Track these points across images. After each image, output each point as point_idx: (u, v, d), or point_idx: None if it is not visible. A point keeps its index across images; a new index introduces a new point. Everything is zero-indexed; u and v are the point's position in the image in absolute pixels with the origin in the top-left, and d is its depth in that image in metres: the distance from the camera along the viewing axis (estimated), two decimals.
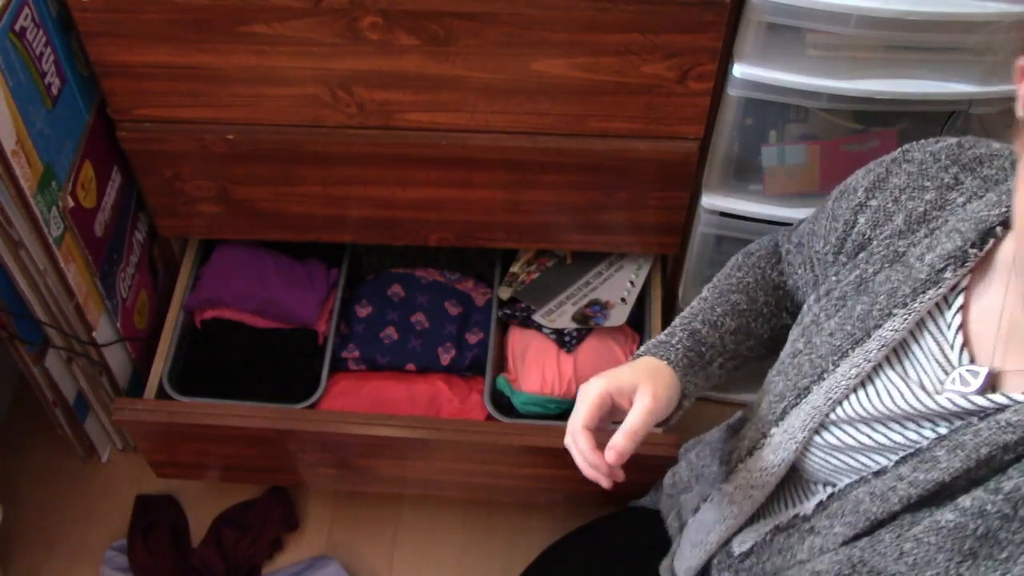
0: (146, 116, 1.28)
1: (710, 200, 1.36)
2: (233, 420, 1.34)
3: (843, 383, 0.77)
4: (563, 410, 1.46)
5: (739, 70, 1.18)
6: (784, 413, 0.82)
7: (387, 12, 1.13)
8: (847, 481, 0.78)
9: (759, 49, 1.18)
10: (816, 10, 1.09)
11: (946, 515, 0.67)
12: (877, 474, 0.74)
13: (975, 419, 0.68)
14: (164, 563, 1.54)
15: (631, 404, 0.82)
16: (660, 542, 1.10)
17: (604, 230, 1.44)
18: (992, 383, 0.70)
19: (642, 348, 0.92)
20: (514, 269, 1.57)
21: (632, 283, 1.55)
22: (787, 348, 0.86)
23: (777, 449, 0.83)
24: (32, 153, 1.19)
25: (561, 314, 1.51)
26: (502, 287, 1.56)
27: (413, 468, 1.44)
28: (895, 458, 0.74)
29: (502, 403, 1.46)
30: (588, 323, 1.49)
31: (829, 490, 0.80)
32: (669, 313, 1.57)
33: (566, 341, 1.49)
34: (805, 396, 0.80)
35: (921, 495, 0.69)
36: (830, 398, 0.78)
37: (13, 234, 1.21)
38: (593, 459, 0.81)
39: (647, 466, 1.32)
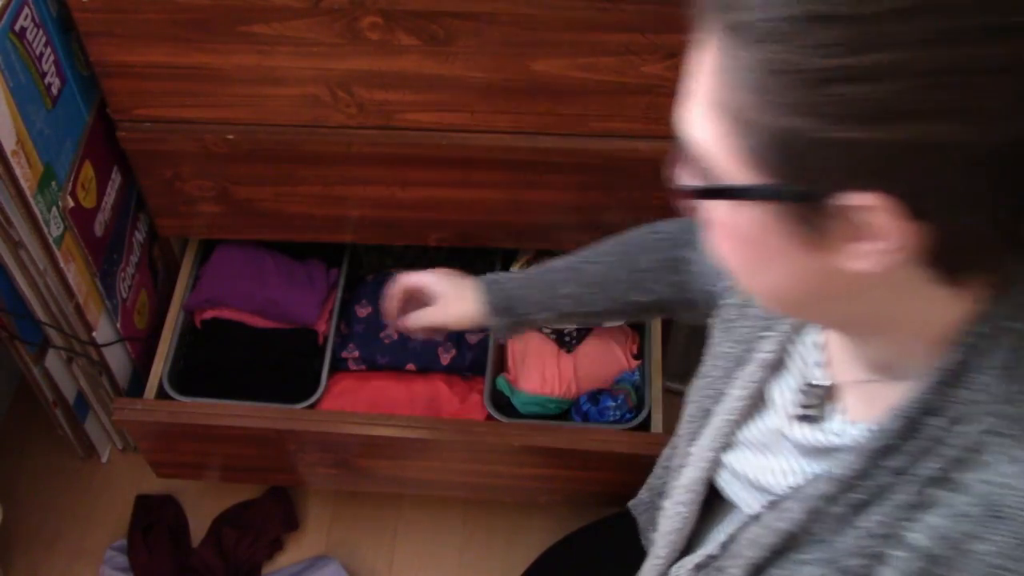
0: (146, 116, 1.28)
1: None
2: (233, 420, 1.34)
3: (736, 405, 0.78)
4: (563, 410, 1.46)
5: None
6: (696, 434, 0.84)
7: (387, 12, 1.13)
8: (739, 524, 0.79)
9: None
10: None
11: (810, 569, 0.68)
12: (754, 519, 0.74)
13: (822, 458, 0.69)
14: (164, 563, 1.54)
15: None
16: None
17: (605, 230, 1.43)
18: (832, 395, 0.70)
19: (486, 277, 1.08)
20: (514, 269, 1.57)
21: None
22: (699, 370, 0.88)
23: (693, 468, 0.84)
24: (32, 153, 1.19)
25: None
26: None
27: (413, 468, 1.44)
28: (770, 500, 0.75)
29: (502, 403, 1.46)
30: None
31: (731, 531, 0.80)
32: None
33: (566, 341, 1.49)
34: (709, 418, 0.82)
35: (784, 542, 0.70)
36: (728, 419, 0.79)
37: (13, 234, 1.21)
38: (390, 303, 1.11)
39: (648, 466, 1.32)
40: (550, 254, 1.59)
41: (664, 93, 1.22)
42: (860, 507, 0.63)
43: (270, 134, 1.29)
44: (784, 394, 0.75)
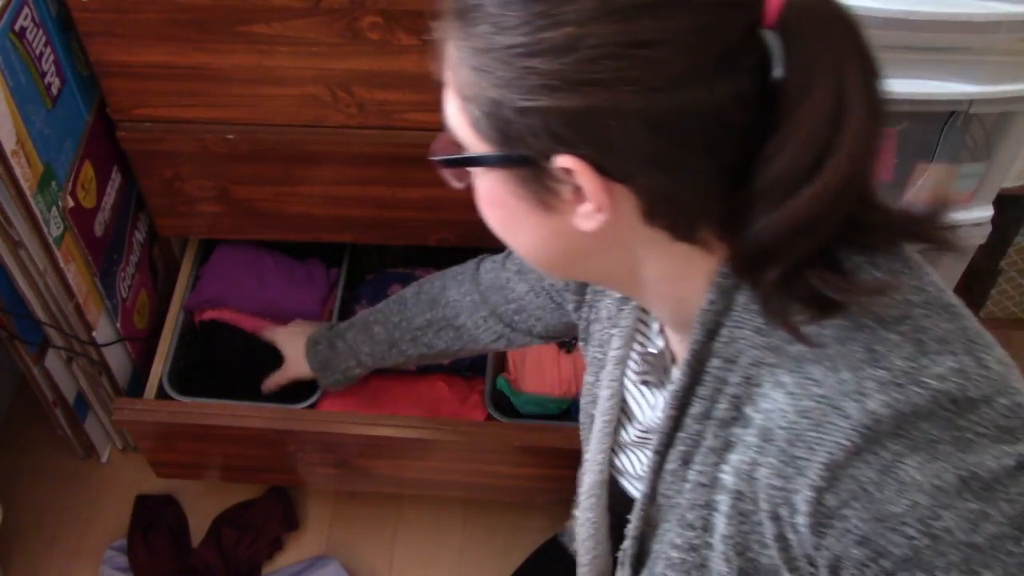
0: (146, 116, 1.28)
1: None
2: (233, 420, 1.34)
3: (606, 405, 0.81)
4: (563, 410, 1.46)
5: None
6: (587, 440, 0.87)
7: (387, 12, 1.13)
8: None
9: None
10: None
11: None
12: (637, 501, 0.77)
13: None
14: (164, 563, 1.54)
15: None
16: None
17: None
18: (663, 363, 0.74)
19: (323, 329, 1.33)
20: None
21: None
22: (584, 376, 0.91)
23: (590, 473, 0.87)
24: (32, 153, 1.19)
25: None
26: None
27: (413, 468, 1.44)
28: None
29: (502, 403, 1.46)
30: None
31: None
32: None
33: (566, 341, 1.49)
34: (593, 420, 0.85)
35: (648, 517, 0.74)
36: (605, 420, 0.82)
37: (13, 234, 1.21)
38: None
39: None
40: None
41: None
42: (686, 460, 0.66)
43: (270, 134, 1.29)
44: (631, 374, 0.79)
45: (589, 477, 0.86)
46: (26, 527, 1.60)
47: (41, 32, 1.19)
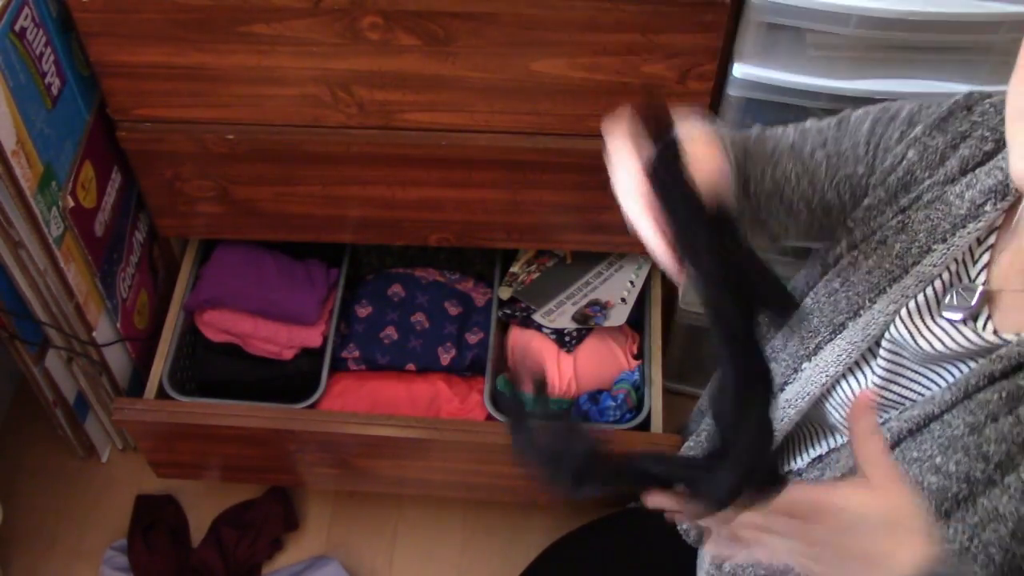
0: (146, 116, 1.28)
1: None
2: (233, 420, 1.34)
3: (880, 319, 0.79)
4: (563, 410, 1.46)
5: (739, 70, 1.18)
6: (818, 348, 0.84)
7: (387, 12, 1.13)
8: (845, 439, 0.80)
9: (759, 49, 1.18)
10: (816, 10, 1.09)
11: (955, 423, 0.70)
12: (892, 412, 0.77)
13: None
14: (164, 563, 1.54)
15: None
16: (660, 543, 1.10)
17: (604, 230, 1.44)
18: (987, 303, 0.72)
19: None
20: (514, 269, 1.57)
21: (632, 283, 1.55)
22: (821, 286, 0.87)
23: (807, 383, 0.84)
24: (32, 153, 1.19)
25: (561, 314, 1.51)
26: (502, 287, 1.56)
27: (413, 468, 1.44)
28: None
29: (502, 403, 1.46)
30: (588, 323, 1.49)
31: (826, 447, 0.81)
32: (669, 313, 1.57)
33: (566, 341, 1.49)
34: (840, 332, 0.82)
35: (909, 428, 0.72)
36: (868, 333, 0.79)
37: (13, 234, 1.22)
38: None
39: None
40: (550, 253, 1.59)
41: (664, 93, 1.22)
42: (1019, 396, 0.66)
43: (270, 134, 1.29)
44: (930, 302, 0.76)
45: (801, 386, 0.84)
46: (26, 527, 1.60)
47: (41, 32, 1.19)
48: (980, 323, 0.72)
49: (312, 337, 1.52)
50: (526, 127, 1.27)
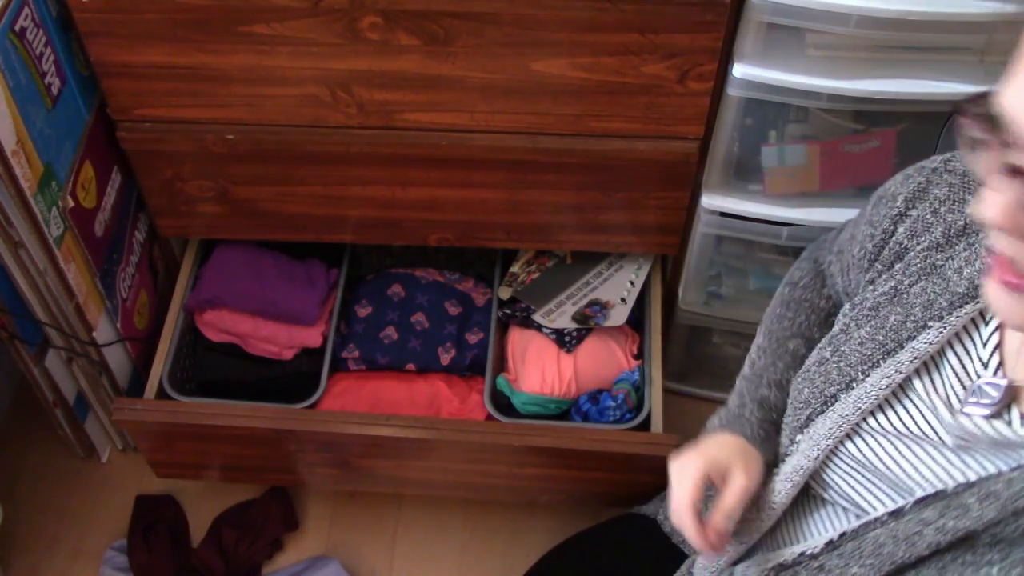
0: (146, 116, 1.28)
1: (710, 200, 1.36)
2: (233, 420, 1.34)
3: (873, 393, 0.76)
4: (563, 410, 1.46)
5: (739, 70, 1.19)
6: (809, 420, 0.82)
7: (387, 12, 1.13)
8: (860, 521, 0.76)
9: (759, 49, 1.18)
10: (816, 10, 1.09)
11: (991, 570, 0.65)
12: (894, 515, 0.72)
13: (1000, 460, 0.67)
14: (164, 563, 1.54)
15: (723, 482, 0.86)
16: (661, 551, 1.10)
17: (604, 230, 1.44)
18: (1012, 397, 0.68)
19: (716, 420, 0.95)
20: (514, 269, 1.57)
21: (632, 283, 1.55)
22: (813, 356, 0.85)
23: (802, 456, 0.82)
24: (32, 153, 1.19)
25: (561, 314, 1.51)
26: (502, 287, 1.56)
27: (413, 468, 1.44)
28: (911, 498, 0.72)
29: (502, 403, 1.46)
30: (588, 323, 1.49)
31: (840, 529, 0.78)
32: (669, 313, 1.57)
33: (566, 341, 1.49)
34: (832, 404, 0.79)
35: (950, 542, 0.67)
36: (859, 407, 0.77)
37: (13, 234, 1.22)
38: (700, 541, 0.85)
39: (648, 466, 1.33)
40: (550, 254, 1.59)
41: (664, 93, 1.22)
42: None
43: (270, 134, 1.30)
44: (943, 387, 0.72)
45: (798, 460, 0.81)
46: (26, 527, 1.60)
47: (41, 32, 1.19)
48: (1010, 417, 0.68)
49: (312, 337, 1.52)
50: (526, 127, 1.27)
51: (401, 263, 1.63)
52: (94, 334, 1.40)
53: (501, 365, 1.51)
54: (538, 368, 1.46)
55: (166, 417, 1.36)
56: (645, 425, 1.41)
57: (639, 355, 1.50)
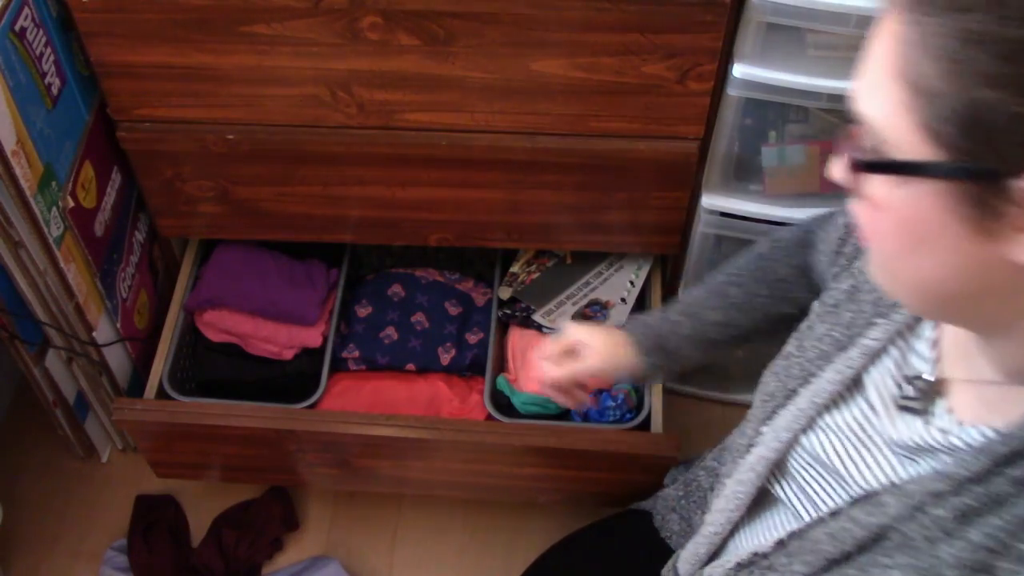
0: (146, 116, 1.28)
1: (710, 200, 1.36)
2: (233, 420, 1.34)
3: (826, 388, 0.77)
4: (563, 410, 1.46)
5: (739, 70, 1.19)
6: (773, 412, 0.83)
7: (387, 12, 1.13)
8: (806, 521, 0.78)
9: (759, 49, 1.18)
10: (816, 10, 1.09)
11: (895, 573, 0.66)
12: (834, 515, 0.73)
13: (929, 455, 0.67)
14: (164, 563, 1.54)
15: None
16: (660, 546, 1.10)
17: (604, 230, 1.44)
18: (938, 390, 0.68)
19: (631, 318, 1.08)
20: (514, 269, 1.57)
21: (632, 283, 1.55)
22: (782, 350, 0.86)
23: (764, 447, 0.83)
24: (32, 153, 1.19)
25: (561, 314, 1.51)
26: (502, 287, 1.56)
27: (413, 468, 1.44)
28: (850, 499, 0.73)
29: (502, 403, 1.46)
30: (588, 323, 1.49)
31: (790, 529, 0.79)
32: None
33: None
34: (792, 398, 0.80)
35: (868, 537, 0.68)
36: (815, 402, 0.78)
37: (13, 234, 1.22)
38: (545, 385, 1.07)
39: (648, 466, 1.33)
40: (550, 254, 1.59)
41: (664, 93, 1.22)
42: (969, 514, 0.60)
43: (270, 134, 1.30)
44: (883, 385, 0.73)
45: (762, 451, 0.82)
46: (26, 527, 1.60)
47: (41, 32, 1.19)
48: (938, 413, 0.68)
49: (312, 337, 1.52)
50: (526, 127, 1.27)
51: (401, 263, 1.63)
52: (94, 334, 1.40)
53: (501, 365, 1.51)
54: (538, 368, 1.46)
55: (166, 417, 1.36)
56: (645, 425, 1.41)
57: None
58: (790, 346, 0.84)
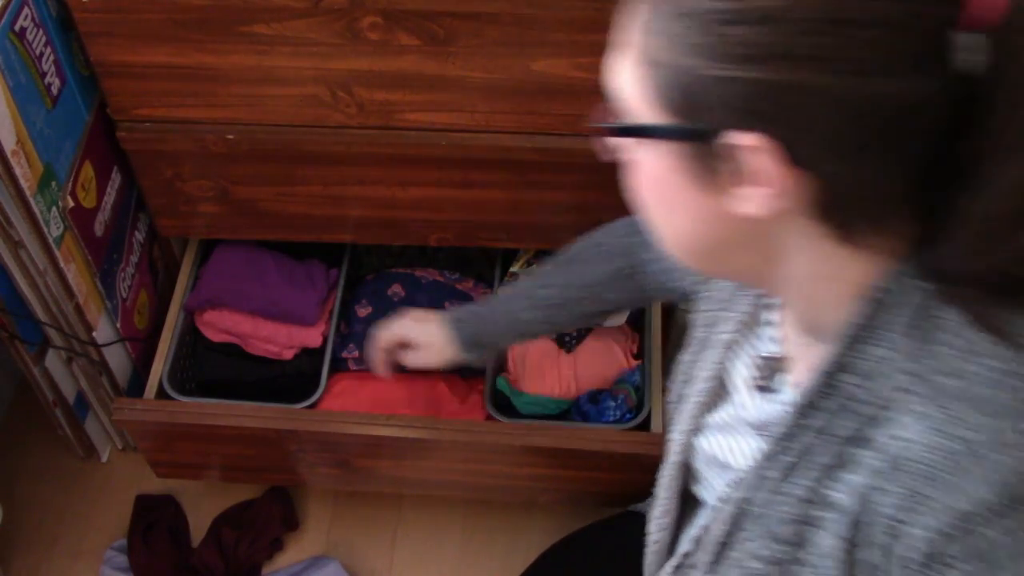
0: (146, 116, 1.28)
1: None
2: (233, 420, 1.34)
3: (702, 387, 0.80)
4: (563, 410, 1.46)
5: None
6: (673, 419, 0.86)
7: (387, 12, 1.13)
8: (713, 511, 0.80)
9: None
10: None
11: (753, 544, 0.69)
12: (724, 501, 0.75)
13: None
14: (164, 563, 1.54)
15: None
16: None
17: None
18: (781, 367, 0.72)
19: (454, 309, 1.20)
20: (514, 269, 1.57)
21: None
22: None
23: (672, 453, 0.86)
24: (32, 153, 1.19)
25: None
26: (502, 287, 1.56)
27: (413, 468, 1.44)
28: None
29: (502, 403, 1.46)
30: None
31: (703, 523, 0.82)
32: (669, 313, 1.57)
33: (566, 341, 1.49)
34: (684, 402, 0.84)
35: (735, 514, 0.71)
36: (697, 402, 0.81)
37: (13, 234, 1.22)
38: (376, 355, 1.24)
39: (648, 466, 1.32)
40: (550, 254, 1.59)
41: None
42: (789, 471, 0.64)
43: (270, 134, 1.29)
44: (742, 374, 0.76)
45: (672, 457, 0.85)
46: (26, 527, 1.60)
47: (41, 32, 1.19)
48: (783, 388, 0.71)
49: (312, 337, 1.52)
50: (526, 127, 1.27)
51: (401, 263, 1.63)
52: (94, 334, 1.40)
53: (501, 365, 1.51)
54: (538, 368, 1.46)
55: (166, 417, 1.36)
56: (645, 425, 1.41)
57: (639, 355, 1.50)
58: (685, 354, 0.86)
